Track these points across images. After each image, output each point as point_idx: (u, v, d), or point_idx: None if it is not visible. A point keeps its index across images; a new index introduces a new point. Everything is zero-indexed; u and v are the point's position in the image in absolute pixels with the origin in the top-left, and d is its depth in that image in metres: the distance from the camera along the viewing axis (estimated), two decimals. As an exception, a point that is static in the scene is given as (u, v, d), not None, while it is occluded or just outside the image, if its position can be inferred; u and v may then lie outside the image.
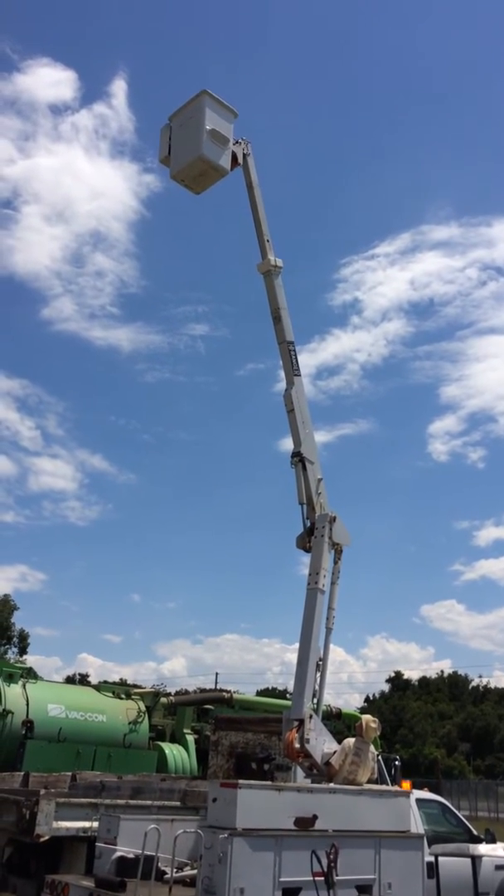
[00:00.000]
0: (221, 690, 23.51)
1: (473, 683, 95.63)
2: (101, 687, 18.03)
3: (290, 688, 10.32)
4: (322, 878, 7.11)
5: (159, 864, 7.45)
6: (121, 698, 17.23)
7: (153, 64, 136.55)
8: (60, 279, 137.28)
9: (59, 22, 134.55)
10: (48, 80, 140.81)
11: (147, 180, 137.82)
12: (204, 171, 11.19)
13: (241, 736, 11.48)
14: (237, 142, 11.31)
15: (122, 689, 18.52)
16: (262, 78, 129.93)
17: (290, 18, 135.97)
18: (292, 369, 10.93)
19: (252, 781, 7.86)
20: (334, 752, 8.87)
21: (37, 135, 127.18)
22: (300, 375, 10.98)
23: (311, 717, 8.89)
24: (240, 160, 11.32)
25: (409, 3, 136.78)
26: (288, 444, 10.80)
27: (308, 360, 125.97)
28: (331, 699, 28.87)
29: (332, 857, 7.21)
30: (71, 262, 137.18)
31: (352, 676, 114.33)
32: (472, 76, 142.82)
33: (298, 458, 10.46)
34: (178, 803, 10.59)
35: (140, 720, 16.89)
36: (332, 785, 8.43)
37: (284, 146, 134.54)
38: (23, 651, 55.51)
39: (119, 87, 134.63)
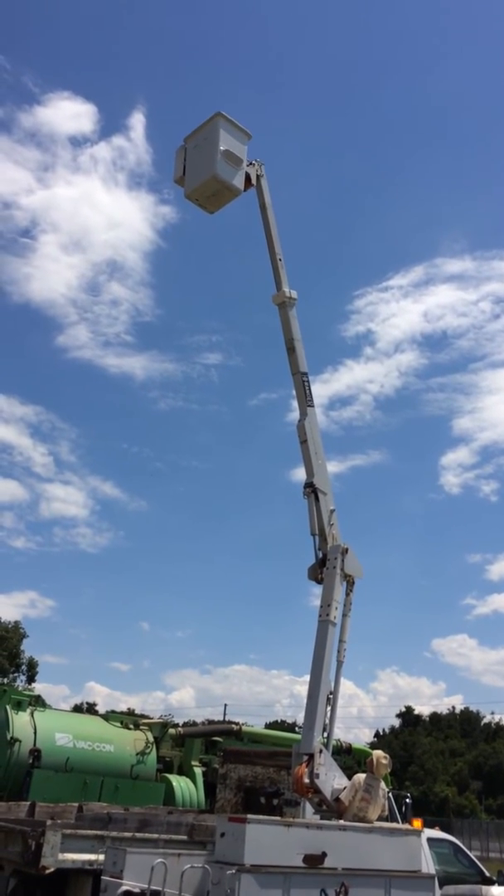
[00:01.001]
0: (230, 722, 23.29)
1: (486, 720, 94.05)
2: (110, 716, 17.94)
3: (300, 720, 10.24)
4: (331, 918, 6.99)
5: (165, 899, 7.34)
6: (129, 728, 17.11)
7: (171, 98, 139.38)
8: (76, 307, 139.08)
9: (80, 56, 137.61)
10: (68, 113, 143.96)
11: (163, 211, 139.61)
12: (217, 191, 11.40)
13: (250, 769, 11.37)
14: (251, 163, 11.53)
15: (130, 719, 18.41)
16: (278, 112, 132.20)
17: (304, 53, 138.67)
18: (305, 400, 10.99)
19: (261, 816, 7.76)
20: (344, 788, 8.76)
21: (56, 166, 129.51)
22: (313, 406, 11.04)
23: (321, 751, 8.80)
24: (253, 181, 11.53)
25: (421, 39, 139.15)
26: (300, 475, 10.84)
27: (321, 390, 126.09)
28: (341, 734, 28.54)
29: (341, 895, 7.08)
30: (87, 290, 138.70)
31: (362, 710, 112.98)
32: (487, 109, 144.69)
33: (311, 488, 10.47)
34: (185, 837, 10.45)
35: (148, 751, 16.75)
36: (341, 822, 8.31)
37: (299, 178, 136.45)
38: (31, 679, 55.29)
39: (137, 121, 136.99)
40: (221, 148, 11.08)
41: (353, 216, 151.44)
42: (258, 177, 11.59)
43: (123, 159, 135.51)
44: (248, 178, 11.46)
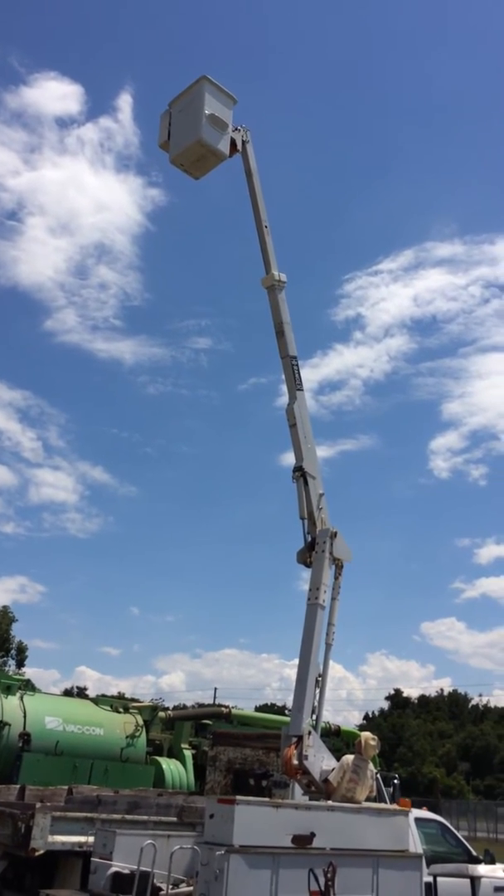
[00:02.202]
0: (220, 705, 23.37)
1: (473, 702, 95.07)
2: (100, 700, 17.96)
3: (289, 703, 10.28)
4: (319, 897, 7.05)
5: (155, 880, 7.39)
6: (119, 712, 17.16)
7: (159, 78, 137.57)
8: (64, 291, 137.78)
9: (67, 36, 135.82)
10: (55, 94, 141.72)
11: (152, 194, 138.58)
12: (203, 156, 11.26)
13: (239, 752, 11.44)
14: (237, 128, 11.40)
15: (120, 703, 18.47)
16: (269, 95, 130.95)
17: (295, 38, 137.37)
18: (295, 384, 10.95)
19: (250, 798, 7.81)
20: (333, 770, 8.82)
21: (42, 147, 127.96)
22: (303, 390, 11.00)
23: (309, 733, 8.84)
24: (239, 147, 11.41)
25: (413, 24, 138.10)
26: (289, 459, 10.82)
27: (310, 374, 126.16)
28: (329, 716, 28.68)
29: (329, 875, 7.15)
30: (74, 274, 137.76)
31: (351, 693, 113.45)
32: (477, 94, 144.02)
33: (300, 472, 10.45)
34: (174, 819, 10.52)
35: (138, 734, 16.81)
36: (330, 802, 8.37)
37: (289, 162, 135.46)
38: (21, 663, 55.26)
39: (125, 102, 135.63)
40: (206, 112, 10.92)
41: (343, 200, 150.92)
42: (244, 143, 11.46)
43: (111, 141, 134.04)
44: (233, 143, 11.33)
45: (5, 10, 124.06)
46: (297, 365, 11.10)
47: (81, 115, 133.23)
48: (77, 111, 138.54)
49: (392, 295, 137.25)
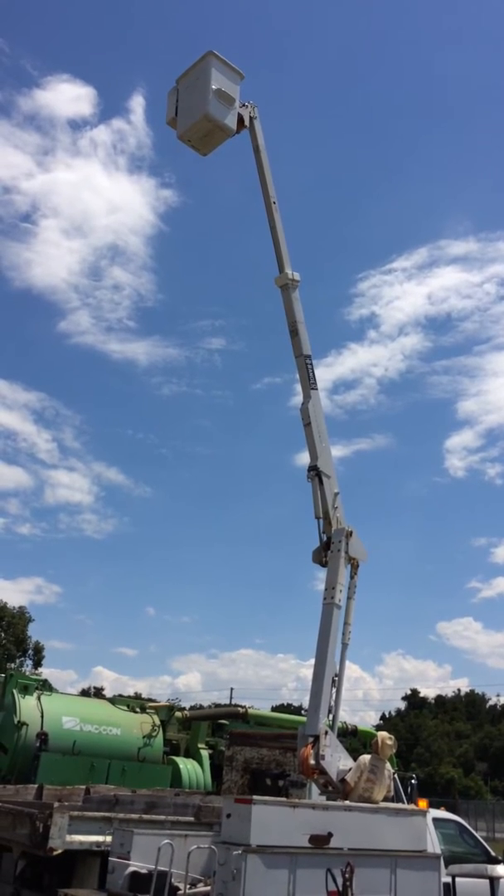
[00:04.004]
0: (236, 706, 23.37)
1: (491, 702, 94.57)
2: (116, 700, 18.00)
3: (305, 703, 10.27)
4: (337, 897, 7.03)
5: (172, 879, 7.39)
6: (135, 712, 17.20)
7: (171, 80, 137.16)
8: (78, 292, 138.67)
9: (79, 39, 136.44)
10: (68, 96, 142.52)
11: (165, 195, 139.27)
12: (210, 131, 11.29)
13: (256, 751, 11.40)
14: (244, 105, 11.42)
15: (136, 703, 18.50)
16: (281, 95, 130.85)
17: (307, 35, 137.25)
18: (309, 383, 10.93)
19: (267, 798, 7.78)
20: (350, 770, 8.79)
21: (56, 150, 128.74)
22: (317, 389, 10.98)
23: (326, 733, 8.82)
24: (246, 123, 11.43)
25: (425, 20, 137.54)
26: (304, 459, 10.80)
27: (324, 374, 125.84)
28: (346, 716, 28.65)
29: (347, 875, 7.13)
30: (88, 275, 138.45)
31: (367, 693, 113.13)
32: (491, 91, 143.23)
33: (315, 472, 10.43)
34: (191, 819, 10.52)
35: (154, 734, 16.84)
36: (347, 802, 8.34)
37: (303, 160, 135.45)
38: (38, 664, 55.50)
39: (137, 103, 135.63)
40: (213, 87, 10.94)
41: (357, 199, 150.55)
42: (251, 119, 11.48)
43: (124, 142, 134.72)
44: (241, 120, 11.35)
45: (18, 13, 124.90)
46: (312, 364, 11.08)
47: (94, 117, 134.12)
48: (90, 113, 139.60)
49: (406, 293, 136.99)
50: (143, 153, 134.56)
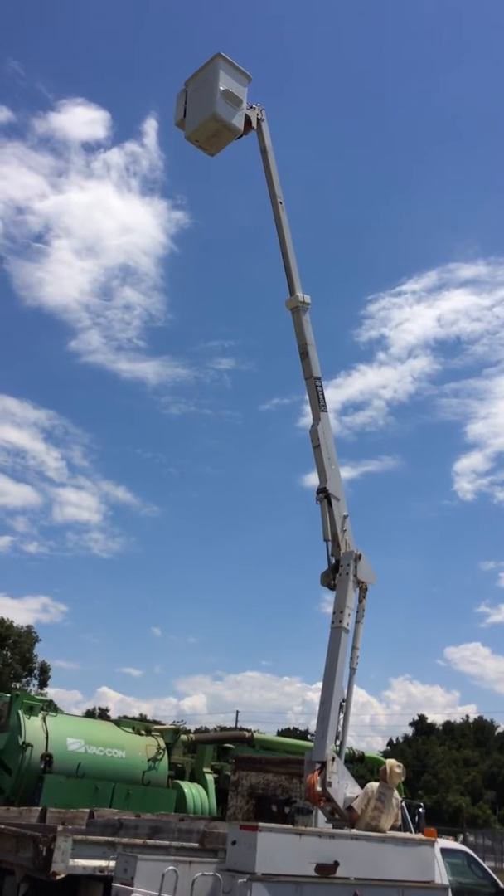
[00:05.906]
0: (242, 729, 23.17)
1: (500, 729, 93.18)
2: (121, 722, 17.86)
3: (312, 728, 10.17)
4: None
5: (176, 907, 7.28)
6: (141, 734, 17.05)
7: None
8: (89, 312, 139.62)
9: (94, 62, 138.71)
10: (82, 119, 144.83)
11: (176, 216, 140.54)
12: (217, 131, 11.47)
13: (262, 777, 11.29)
14: (251, 106, 11.61)
15: (142, 725, 18.35)
16: (290, 117, 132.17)
17: (315, 58, 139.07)
18: (319, 405, 10.94)
19: (273, 825, 7.70)
20: (357, 797, 8.68)
21: (69, 171, 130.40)
22: (327, 411, 10.99)
23: (333, 759, 8.72)
24: (254, 124, 11.61)
25: (434, 41, 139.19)
26: (312, 480, 10.78)
27: (334, 395, 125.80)
28: (353, 742, 28.36)
29: (353, 906, 7.00)
30: (100, 295, 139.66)
31: (374, 719, 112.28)
32: (501, 112, 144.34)
33: (324, 494, 10.40)
34: (196, 844, 10.40)
35: (159, 757, 16.68)
36: (354, 831, 8.23)
37: (313, 183, 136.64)
38: (43, 684, 55.32)
39: (150, 127, 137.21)
40: (221, 87, 11.16)
41: (367, 221, 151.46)
42: (259, 120, 11.66)
43: (136, 165, 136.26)
44: (248, 121, 11.53)
45: (34, 36, 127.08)
46: (321, 386, 11.10)
47: (108, 140, 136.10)
48: (103, 136, 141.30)
49: (416, 316, 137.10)
50: (155, 175, 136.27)
